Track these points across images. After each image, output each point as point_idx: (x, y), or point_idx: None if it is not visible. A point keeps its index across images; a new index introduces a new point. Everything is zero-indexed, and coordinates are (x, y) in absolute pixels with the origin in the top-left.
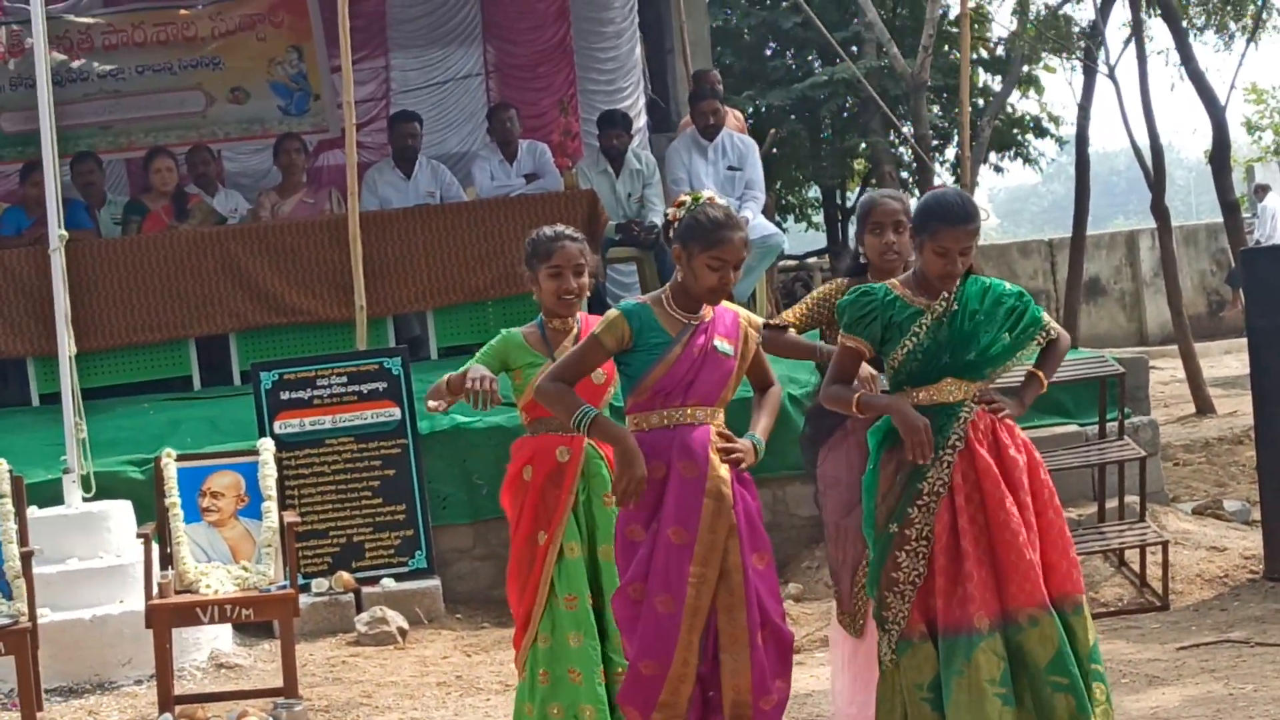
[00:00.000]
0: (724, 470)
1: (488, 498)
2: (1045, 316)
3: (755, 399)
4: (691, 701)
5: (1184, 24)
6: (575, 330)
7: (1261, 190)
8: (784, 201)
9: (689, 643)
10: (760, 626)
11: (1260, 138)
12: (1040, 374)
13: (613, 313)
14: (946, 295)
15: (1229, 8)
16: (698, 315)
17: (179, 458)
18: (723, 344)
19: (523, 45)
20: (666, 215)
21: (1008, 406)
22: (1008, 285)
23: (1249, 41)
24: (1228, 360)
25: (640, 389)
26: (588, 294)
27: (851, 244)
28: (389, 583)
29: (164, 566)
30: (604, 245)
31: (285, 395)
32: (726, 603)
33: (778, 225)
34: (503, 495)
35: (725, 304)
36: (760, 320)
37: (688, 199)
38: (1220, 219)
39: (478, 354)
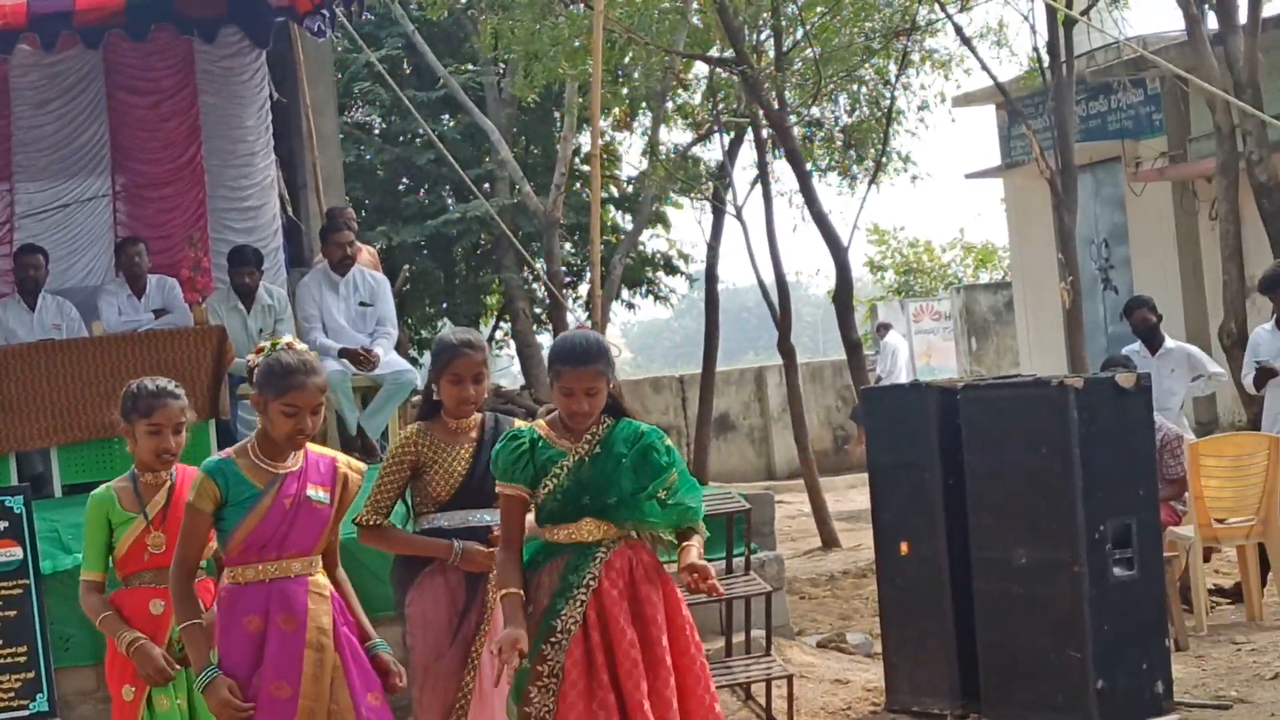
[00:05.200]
0: (325, 620)
1: None
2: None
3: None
4: None
5: (808, 166)
6: (169, 483)
7: (883, 328)
8: (418, 337)
9: None
10: None
11: (883, 277)
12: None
13: (198, 476)
14: (589, 437)
15: (851, 151)
16: (287, 463)
17: None
18: (316, 492)
19: (151, 165)
20: (247, 362)
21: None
22: (652, 436)
23: (870, 184)
24: (852, 494)
25: (233, 544)
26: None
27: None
28: None
29: None
30: (233, 382)
31: None
32: None
33: (411, 361)
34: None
35: (320, 449)
36: (362, 466)
37: (266, 345)
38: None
39: (85, 536)
